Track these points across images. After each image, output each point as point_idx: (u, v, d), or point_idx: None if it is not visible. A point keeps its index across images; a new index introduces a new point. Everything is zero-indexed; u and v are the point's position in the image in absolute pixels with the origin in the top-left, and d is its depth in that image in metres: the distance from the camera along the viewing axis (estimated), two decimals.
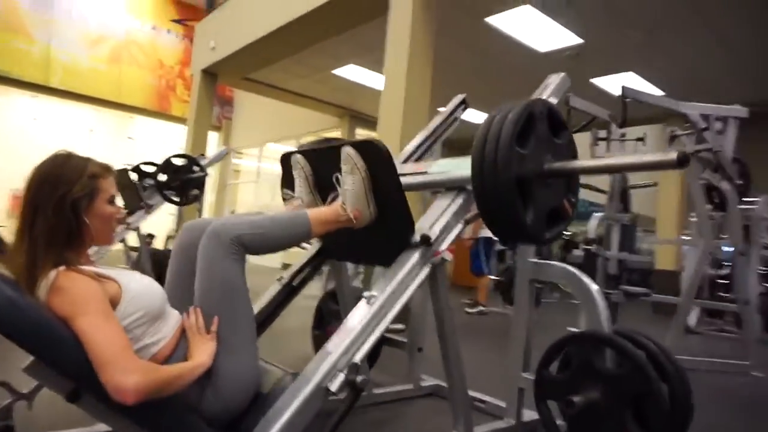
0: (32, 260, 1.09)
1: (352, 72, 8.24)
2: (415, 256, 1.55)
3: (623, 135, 4.19)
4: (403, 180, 1.62)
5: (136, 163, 4.45)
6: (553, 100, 1.90)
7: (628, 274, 3.53)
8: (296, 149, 1.82)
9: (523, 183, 1.45)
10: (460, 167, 1.74)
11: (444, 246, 1.58)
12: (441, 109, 2.51)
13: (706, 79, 6.88)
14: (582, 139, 1.77)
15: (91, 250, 1.30)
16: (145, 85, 12.25)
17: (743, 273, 3.83)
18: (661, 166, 1.38)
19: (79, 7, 11.33)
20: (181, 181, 4.00)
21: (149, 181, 4.33)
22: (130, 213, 4.19)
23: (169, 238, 5.22)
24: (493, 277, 5.75)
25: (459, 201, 1.69)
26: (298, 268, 1.93)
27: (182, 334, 1.28)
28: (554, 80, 2.06)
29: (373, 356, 2.44)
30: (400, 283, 1.49)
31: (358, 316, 1.42)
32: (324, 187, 1.73)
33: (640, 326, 1.73)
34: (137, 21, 12.12)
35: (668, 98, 3.65)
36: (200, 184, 4.13)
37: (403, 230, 1.59)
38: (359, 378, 1.25)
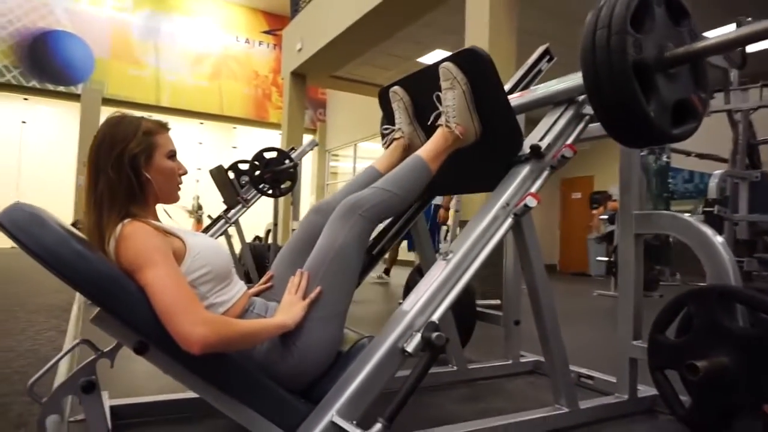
0: (98, 218, 1.11)
1: (438, 58, 8.06)
2: (525, 171, 1.43)
3: (744, 83, 3.67)
4: None
5: (231, 162, 4.70)
6: None
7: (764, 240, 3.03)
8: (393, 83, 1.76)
9: (643, 71, 1.26)
10: (566, 81, 1.57)
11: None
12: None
13: None
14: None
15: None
16: (243, 96, 12.96)
17: None
18: None
19: (180, 31, 12.25)
20: (273, 173, 4.11)
21: (245, 178, 4.53)
22: (229, 208, 4.41)
23: (268, 232, 5.51)
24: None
25: (569, 113, 1.53)
26: (376, 235, 1.85)
27: (246, 309, 1.26)
28: None
29: (466, 332, 2.30)
30: (479, 237, 1.36)
31: (434, 274, 1.31)
32: (424, 115, 1.64)
33: None
34: (232, 37, 12.87)
35: None
36: (292, 175, 4.21)
37: (510, 143, 1.47)
38: (434, 335, 1.14)
